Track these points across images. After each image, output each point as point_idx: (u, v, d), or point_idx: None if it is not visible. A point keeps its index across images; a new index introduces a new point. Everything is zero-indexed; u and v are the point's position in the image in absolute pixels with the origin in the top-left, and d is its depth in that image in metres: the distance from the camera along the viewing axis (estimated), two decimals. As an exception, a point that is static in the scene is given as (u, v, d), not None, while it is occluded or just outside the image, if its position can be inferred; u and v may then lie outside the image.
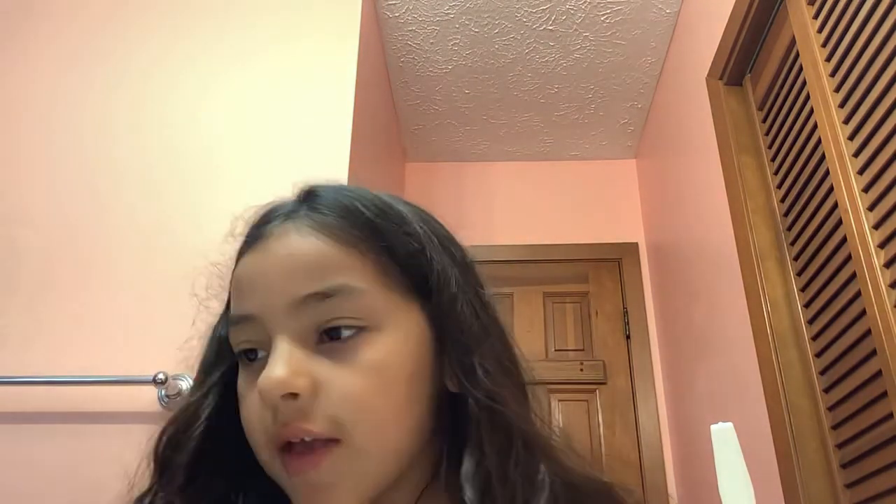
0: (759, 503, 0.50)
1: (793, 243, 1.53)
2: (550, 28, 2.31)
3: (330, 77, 1.79)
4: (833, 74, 1.34)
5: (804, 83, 1.46)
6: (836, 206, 1.31)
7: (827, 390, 1.38)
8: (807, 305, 1.47)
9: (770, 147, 1.66)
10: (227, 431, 0.51)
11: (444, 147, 2.88)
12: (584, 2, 2.22)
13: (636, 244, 2.74)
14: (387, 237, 0.50)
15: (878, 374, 1.16)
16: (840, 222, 1.29)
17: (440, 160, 2.94)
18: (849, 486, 1.28)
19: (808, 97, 1.44)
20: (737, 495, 0.49)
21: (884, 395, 1.15)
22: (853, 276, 1.24)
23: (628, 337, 2.58)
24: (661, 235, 2.53)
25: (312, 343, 0.47)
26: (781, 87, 1.59)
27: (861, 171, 1.23)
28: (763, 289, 1.56)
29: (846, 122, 1.29)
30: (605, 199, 2.85)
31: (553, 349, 2.59)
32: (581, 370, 2.52)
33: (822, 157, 1.37)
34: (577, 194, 2.86)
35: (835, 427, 1.34)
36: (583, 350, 2.58)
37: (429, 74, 2.51)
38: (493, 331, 0.53)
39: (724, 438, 0.51)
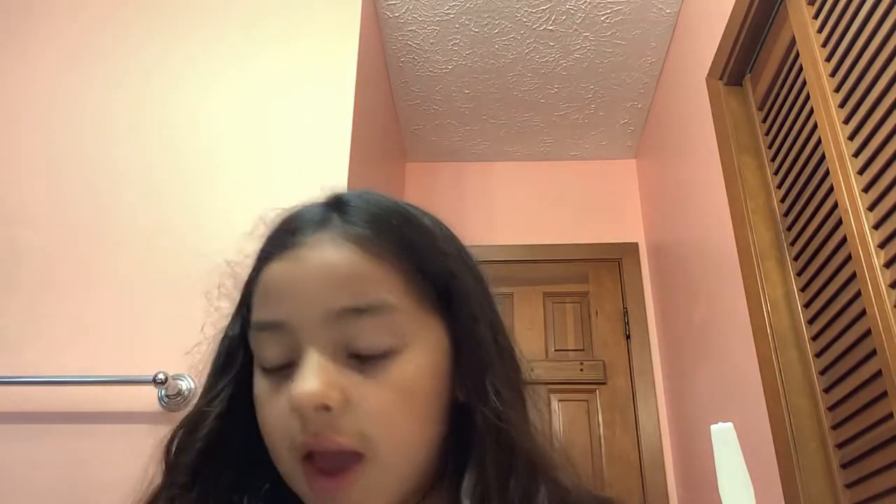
0: (759, 503, 0.50)
1: (793, 243, 1.53)
2: (550, 28, 2.31)
3: (330, 77, 1.80)
4: (833, 74, 1.34)
5: (804, 83, 1.46)
6: (836, 206, 1.31)
7: (827, 390, 1.38)
8: (807, 305, 1.47)
9: (770, 147, 1.66)
10: (236, 433, 0.51)
11: (444, 147, 2.88)
12: (584, 2, 2.22)
13: (636, 244, 2.74)
14: (417, 252, 0.51)
15: (878, 374, 1.16)
16: (840, 222, 1.29)
17: (440, 160, 2.94)
18: (849, 486, 1.28)
19: (808, 97, 1.44)
20: (737, 495, 0.49)
21: (884, 395, 1.15)
22: (853, 276, 1.24)
23: (628, 337, 2.58)
24: (661, 235, 2.53)
25: (343, 356, 0.47)
26: (781, 87, 1.59)
27: (861, 171, 1.23)
28: (763, 289, 1.56)
29: (846, 122, 1.29)
30: (605, 199, 2.85)
31: (553, 349, 2.59)
32: (581, 370, 2.52)
33: (822, 157, 1.37)
34: (577, 194, 2.86)
35: (835, 427, 1.34)
36: (583, 350, 2.58)
37: (429, 74, 2.51)
38: (506, 351, 0.54)
39: (724, 438, 0.51)
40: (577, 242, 2.74)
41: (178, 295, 1.47)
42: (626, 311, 2.62)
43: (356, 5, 1.91)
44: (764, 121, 1.69)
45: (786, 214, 1.57)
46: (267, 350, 0.49)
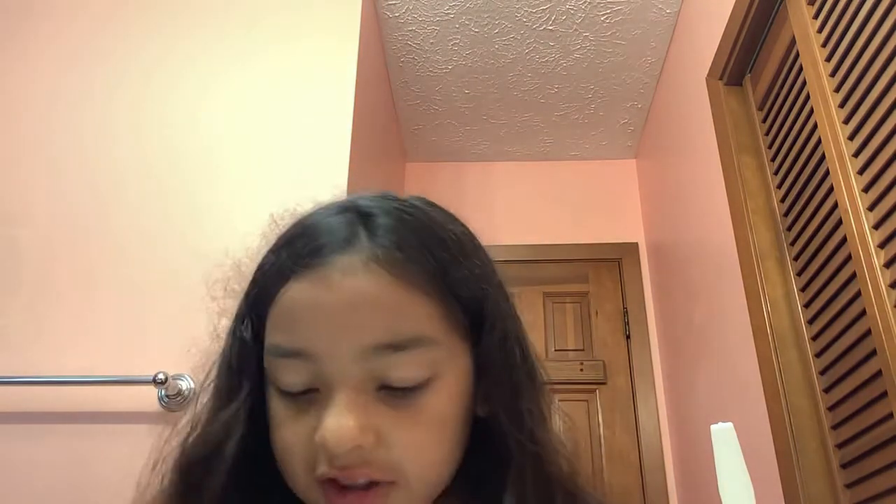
0: (759, 503, 0.50)
1: (793, 243, 1.53)
2: (550, 28, 2.31)
3: (330, 77, 1.80)
4: (833, 74, 1.34)
5: (804, 83, 1.46)
6: (836, 206, 1.31)
7: (827, 390, 1.38)
8: (807, 305, 1.47)
9: (770, 147, 1.66)
10: (260, 453, 0.49)
11: (444, 147, 2.88)
12: (584, 2, 2.22)
13: (636, 244, 2.74)
14: (450, 276, 0.48)
15: (878, 374, 1.16)
16: (840, 222, 1.29)
17: (440, 160, 2.94)
18: (849, 486, 1.28)
19: (808, 97, 1.44)
20: (737, 495, 0.49)
21: (884, 395, 1.15)
22: (853, 276, 1.24)
23: (628, 337, 2.58)
24: (661, 235, 2.53)
25: (373, 388, 0.45)
26: (781, 87, 1.59)
27: (861, 171, 1.23)
28: (763, 289, 1.56)
29: (846, 122, 1.29)
30: (605, 199, 2.85)
31: (553, 349, 2.59)
32: (581, 370, 2.52)
33: (822, 157, 1.37)
34: (577, 194, 2.86)
35: (835, 427, 1.34)
36: (583, 350, 2.58)
37: (429, 74, 2.51)
38: (533, 367, 0.52)
39: (724, 438, 0.51)
40: (577, 242, 2.74)
41: (179, 295, 1.47)
42: (626, 311, 2.62)
43: (356, 5, 1.91)
44: (764, 121, 1.69)
45: (786, 214, 1.57)
46: (287, 376, 0.46)
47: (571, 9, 2.24)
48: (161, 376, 1.36)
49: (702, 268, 2.04)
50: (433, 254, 0.47)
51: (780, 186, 1.61)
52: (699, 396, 2.07)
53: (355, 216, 0.49)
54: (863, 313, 1.21)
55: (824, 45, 1.37)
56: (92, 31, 1.85)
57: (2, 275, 1.55)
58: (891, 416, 1.12)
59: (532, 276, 2.69)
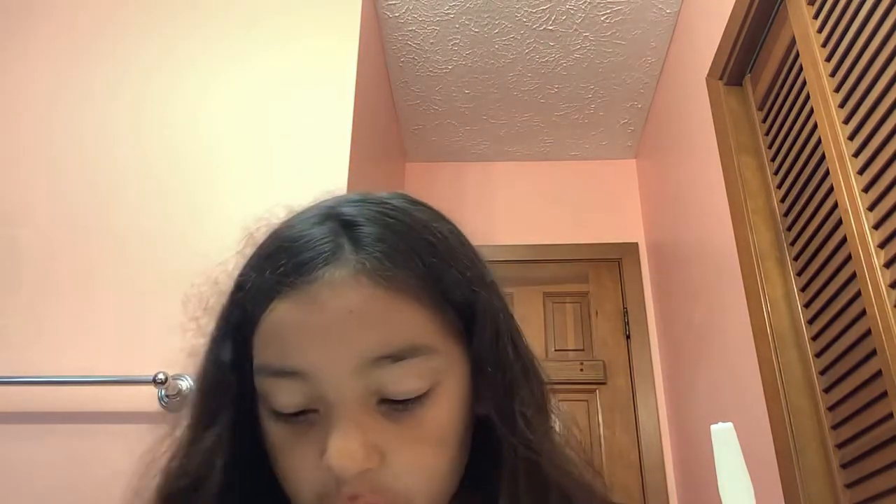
0: (758, 503, 0.50)
1: (793, 243, 1.53)
2: (550, 28, 2.31)
3: (330, 77, 1.80)
4: (833, 74, 1.34)
5: (804, 83, 1.46)
6: (836, 206, 1.31)
7: (827, 390, 1.38)
8: (807, 305, 1.47)
9: (770, 147, 1.66)
10: (244, 482, 0.48)
11: (444, 147, 2.88)
12: (584, 2, 2.22)
13: (636, 244, 2.74)
14: (440, 280, 0.46)
15: (878, 374, 1.16)
16: (840, 222, 1.29)
17: (440, 160, 2.94)
18: (849, 486, 1.28)
19: (808, 97, 1.44)
20: (737, 495, 0.49)
21: (884, 395, 1.15)
22: (853, 276, 1.24)
23: (628, 337, 2.58)
24: (661, 235, 2.53)
25: (373, 403, 0.44)
26: (781, 87, 1.59)
27: (861, 171, 1.23)
28: (763, 289, 1.56)
29: (846, 122, 1.29)
30: (605, 199, 2.85)
31: (553, 349, 2.59)
32: (581, 370, 2.52)
33: (822, 157, 1.37)
34: (577, 194, 2.86)
35: (835, 427, 1.34)
36: (583, 350, 2.58)
37: (429, 74, 2.51)
38: (529, 366, 0.51)
39: (724, 438, 0.51)
40: (577, 242, 2.74)
41: (179, 295, 1.46)
42: (626, 311, 2.62)
43: (356, 5, 1.91)
44: (764, 121, 1.69)
45: (786, 214, 1.57)
46: (282, 397, 0.44)
47: (571, 9, 2.24)
48: (161, 376, 1.36)
49: (702, 268, 2.04)
50: (422, 259, 0.46)
51: (780, 186, 1.61)
52: (699, 396, 2.07)
53: (338, 226, 0.47)
54: (863, 313, 1.21)
55: (824, 45, 1.37)
56: (92, 31, 1.85)
57: (2, 275, 1.55)
58: (891, 416, 1.12)
59: (532, 276, 2.69)
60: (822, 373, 1.39)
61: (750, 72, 1.78)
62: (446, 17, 2.28)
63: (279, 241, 0.47)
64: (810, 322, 1.45)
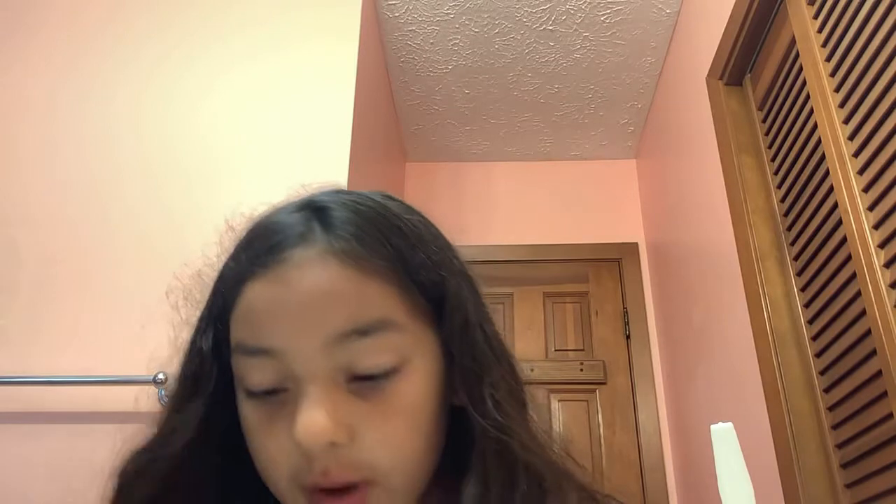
0: (758, 503, 0.50)
1: (793, 243, 1.53)
2: (550, 28, 2.31)
3: (330, 77, 1.80)
4: (833, 74, 1.34)
5: (804, 83, 1.46)
6: (836, 206, 1.31)
7: (827, 390, 1.37)
8: (807, 305, 1.47)
9: (770, 147, 1.66)
10: (207, 462, 0.49)
11: (444, 147, 2.88)
12: (584, 2, 2.22)
13: (636, 244, 2.74)
14: (408, 262, 0.48)
15: (878, 374, 1.16)
16: (840, 222, 1.29)
17: (440, 160, 2.94)
18: (849, 486, 1.28)
19: (808, 97, 1.44)
20: (737, 495, 0.49)
21: (884, 395, 1.14)
22: (853, 276, 1.24)
23: (628, 337, 2.58)
24: (661, 235, 2.53)
25: (343, 381, 0.45)
26: (781, 87, 1.59)
27: (861, 171, 1.23)
28: (763, 289, 1.56)
29: (846, 122, 1.29)
30: (605, 199, 2.85)
31: (553, 349, 2.59)
32: (581, 370, 2.52)
33: (822, 157, 1.37)
34: (577, 194, 2.86)
35: (835, 427, 1.34)
36: (583, 350, 2.58)
37: (429, 74, 2.51)
38: (502, 354, 0.52)
39: (724, 438, 0.51)
40: (577, 242, 2.74)
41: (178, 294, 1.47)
42: (626, 311, 2.62)
43: (356, 6, 1.91)
44: (764, 121, 1.69)
45: (786, 214, 1.57)
46: (254, 376, 0.45)
47: (571, 9, 2.24)
48: (161, 376, 1.36)
49: (702, 268, 2.04)
50: (390, 241, 0.47)
51: (780, 186, 1.61)
52: (699, 396, 2.07)
53: (310, 212, 0.49)
54: (863, 313, 1.21)
55: (824, 45, 1.37)
56: (92, 31, 1.85)
57: (1, 275, 1.55)
58: (891, 416, 1.12)
59: (532, 276, 2.69)
60: (822, 373, 1.39)
61: (750, 72, 1.78)
62: (446, 17, 2.28)
63: (256, 230, 0.50)
64: (810, 322, 1.45)
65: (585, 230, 2.76)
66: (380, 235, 0.47)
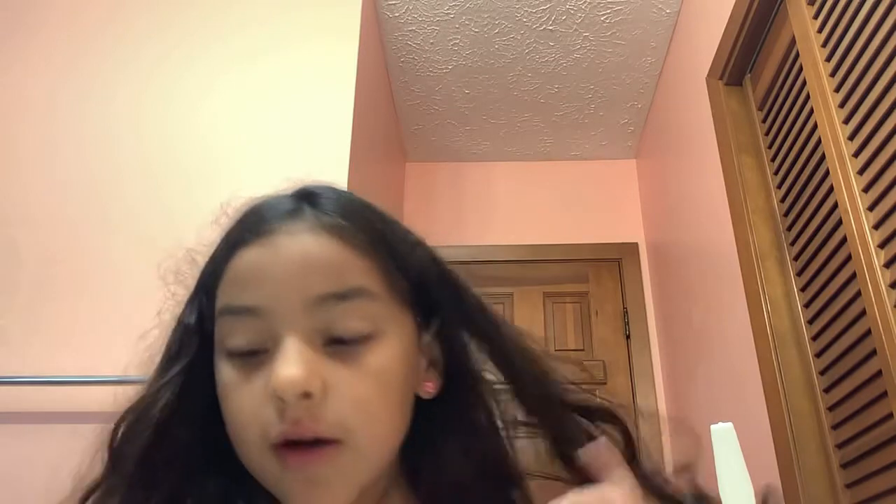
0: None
1: (793, 243, 1.53)
2: (550, 28, 2.31)
3: (330, 77, 1.80)
4: (833, 74, 1.34)
5: (804, 83, 1.46)
6: (836, 206, 1.31)
7: (827, 390, 1.38)
8: (807, 305, 1.47)
9: (770, 147, 1.66)
10: (185, 426, 0.51)
11: (444, 147, 2.88)
12: (584, 2, 2.22)
13: (636, 244, 2.73)
14: (390, 245, 0.51)
15: (878, 374, 1.16)
16: (840, 222, 1.29)
17: (440, 160, 2.94)
18: (849, 486, 1.28)
19: (808, 97, 1.44)
20: (737, 495, 0.49)
21: (884, 395, 1.14)
22: (853, 276, 1.24)
23: (628, 337, 2.58)
24: (661, 235, 2.53)
25: (320, 342, 0.47)
26: (781, 87, 1.59)
27: (861, 171, 1.23)
28: (763, 289, 1.56)
29: (846, 122, 1.29)
30: (605, 199, 2.85)
31: (553, 349, 2.59)
32: (581, 370, 2.52)
33: (822, 157, 1.37)
34: (577, 194, 2.86)
35: (835, 427, 1.34)
36: (583, 350, 2.58)
37: (429, 74, 2.51)
38: (502, 322, 0.56)
39: (724, 438, 0.51)
40: (577, 242, 2.74)
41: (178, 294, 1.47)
42: (626, 311, 2.62)
43: (356, 6, 1.91)
44: (764, 121, 1.69)
45: (786, 214, 1.57)
46: (237, 335, 0.48)
47: (571, 9, 2.24)
48: (161, 376, 1.36)
49: (702, 268, 2.04)
50: (373, 224, 0.52)
51: (780, 186, 1.61)
52: (699, 396, 2.07)
53: (301, 195, 0.53)
54: (863, 313, 1.21)
55: (824, 45, 1.37)
56: (92, 31, 1.85)
57: (1, 275, 1.55)
58: (891, 416, 1.12)
59: (532, 276, 2.69)
60: (822, 373, 1.39)
61: (750, 72, 1.78)
62: (446, 17, 2.28)
63: (248, 209, 0.54)
64: (810, 322, 1.45)
65: (585, 230, 2.76)
66: (363, 218, 0.52)
